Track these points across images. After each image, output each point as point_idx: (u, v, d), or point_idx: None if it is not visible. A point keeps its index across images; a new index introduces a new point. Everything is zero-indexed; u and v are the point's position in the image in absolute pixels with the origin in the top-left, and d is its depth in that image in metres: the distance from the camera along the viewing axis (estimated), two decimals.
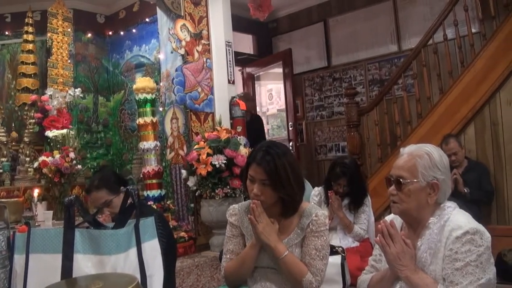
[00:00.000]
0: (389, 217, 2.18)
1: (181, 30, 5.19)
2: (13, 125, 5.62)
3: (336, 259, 2.92)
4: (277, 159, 2.16)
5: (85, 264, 1.82)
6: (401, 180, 1.97)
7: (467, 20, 5.43)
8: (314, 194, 4.10)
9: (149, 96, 4.90)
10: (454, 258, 1.81)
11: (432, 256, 1.90)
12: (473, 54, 5.33)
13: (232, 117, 5.63)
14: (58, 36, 5.77)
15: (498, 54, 5.07)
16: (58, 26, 5.78)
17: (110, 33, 7.06)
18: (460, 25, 5.51)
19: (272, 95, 9.20)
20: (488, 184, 4.93)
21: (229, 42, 5.67)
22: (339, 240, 3.85)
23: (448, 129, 5.26)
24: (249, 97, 7.05)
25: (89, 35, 6.84)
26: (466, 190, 4.70)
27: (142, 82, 4.95)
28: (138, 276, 1.91)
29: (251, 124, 6.92)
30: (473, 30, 5.60)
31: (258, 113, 8.74)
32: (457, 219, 1.89)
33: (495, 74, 5.07)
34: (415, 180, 1.95)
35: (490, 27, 5.36)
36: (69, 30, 5.91)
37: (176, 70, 5.16)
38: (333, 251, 2.91)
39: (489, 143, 5.16)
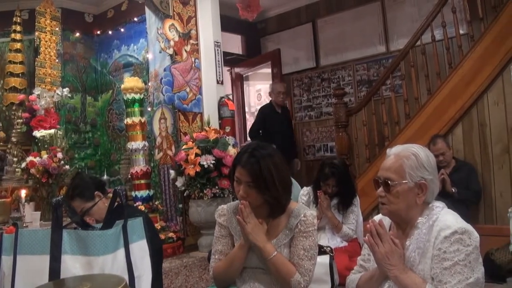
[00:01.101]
0: (377, 217, 2.19)
1: (169, 30, 5.18)
2: (0, 125, 5.57)
3: (324, 259, 2.92)
4: (262, 161, 2.16)
5: (73, 265, 1.82)
6: (389, 182, 1.97)
7: (455, 21, 5.46)
8: (302, 194, 4.11)
9: (137, 96, 4.87)
10: (442, 258, 1.82)
11: (420, 255, 1.90)
12: (461, 56, 5.36)
13: (220, 117, 5.62)
14: (46, 35, 5.73)
15: (486, 55, 5.10)
16: (46, 25, 5.74)
17: (98, 32, 7.02)
18: (448, 26, 5.54)
19: (260, 95, 9.19)
20: (476, 184, 4.96)
21: (217, 42, 5.66)
22: (328, 240, 3.87)
23: (436, 129, 5.29)
24: (279, 89, 7.08)
25: (77, 34, 6.81)
26: (453, 190, 4.73)
27: (130, 82, 4.92)
28: (126, 277, 1.91)
29: (283, 115, 7.06)
30: (461, 32, 5.63)
31: (246, 113, 8.78)
32: (445, 219, 1.90)
33: (482, 76, 5.10)
34: (403, 181, 1.95)
35: (478, 29, 5.38)
36: (57, 29, 5.87)
37: (165, 70, 5.14)
38: (322, 251, 2.91)
39: (476, 143, 5.19)
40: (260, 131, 6.93)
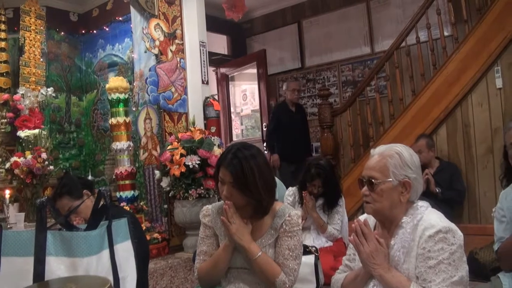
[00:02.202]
0: (362, 217, 2.20)
1: (155, 30, 5.16)
2: None
3: (309, 259, 2.93)
4: (245, 162, 2.16)
5: (57, 266, 1.80)
6: (373, 180, 1.98)
7: (440, 23, 5.51)
8: (288, 194, 4.11)
9: (122, 96, 4.85)
10: (427, 257, 1.83)
11: (405, 254, 1.92)
12: (445, 57, 5.40)
13: (206, 118, 5.61)
14: (30, 34, 5.67)
15: (470, 57, 5.15)
16: (30, 24, 5.69)
17: (83, 31, 6.97)
18: (433, 28, 5.59)
19: (246, 95, 9.19)
20: (460, 183, 5.00)
21: (203, 42, 5.65)
22: (313, 240, 3.88)
23: (421, 130, 5.33)
24: (294, 86, 7.02)
25: (62, 33, 6.74)
26: (437, 190, 4.77)
27: (115, 81, 4.89)
28: (111, 278, 1.90)
29: (298, 113, 6.97)
30: (446, 33, 5.68)
31: (232, 113, 8.77)
32: (430, 218, 1.92)
33: (466, 77, 5.15)
34: (386, 180, 1.96)
35: (462, 31, 5.44)
36: (42, 28, 5.81)
37: (150, 70, 5.12)
38: (307, 250, 2.92)
39: (460, 143, 5.24)
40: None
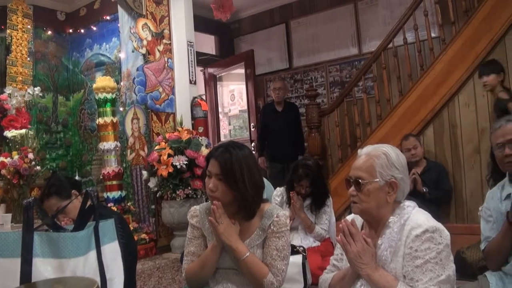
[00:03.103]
0: (350, 217, 2.21)
1: (142, 29, 5.14)
2: None
3: (297, 259, 2.94)
4: (235, 156, 2.17)
5: (44, 268, 1.79)
6: (360, 180, 1.99)
7: (427, 25, 5.54)
8: (276, 194, 4.11)
9: (109, 96, 4.83)
10: (414, 256, 1.85)
11: (392, 254, 1.93)
12: (433, 58, 5.43)
13: (193, 118, 5.60)
14: (17, 33, 5.62)
15: (457, 58, 5.18)
16: (18, 22, 5.64)
17: (71, 30, 6.92)
18: (420, 29, 5.62)
19: (234, 96, 9.19)
20: (447, 183, 5.03)
21: (191, 42, 5.64)
22: (300, 240, 3.88)
23: (408, 130, 5.36)
24: (274, 85, 6.99)
25: (49, 32, 6.69)
26: (425, 190, 4.79)
27: (102, 81, 4.87)
28: (98, 279, 1.89)
29: (285, 113, 6.85)
30: (433, 35, 5.71)
31: (220, 113, 8.74)
32: (416, 218, 1.93)
33: (453, 78, 5.18)
34: (373, 180, 1.97)
35: (450, 32, 5.47)
36: (29, 27, 5.77)
37: (137, 70, 5.10)
38: (294, 250, 2.93)
39: (447, 144, 5.27)
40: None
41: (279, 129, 6.68)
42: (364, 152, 2.07)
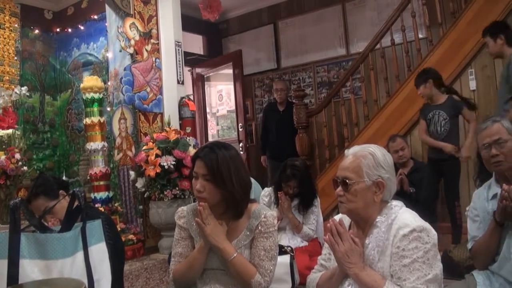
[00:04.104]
0: (337, 216, 2.21)
1: (130, 29, 5.12)
2: None
3: (285, 259, 2.94)
4: (221, 156, 2.16)
5: (31, 269, 1.78)
6: (347, 181, 1.99)
7: (414, 26, 5.58)
8: (264, 195, 4.12)
9: (96, 96, 4.81)
10: (401, 255, 1.85)
11: (380, 253, 1.93)
12: (420, 59, 5.47)
13: (181, 118, 5.58)
14: (4, 32, 5.59)
15: (444, 59, 5.22)
16: (5, 21, 5.61)
17: (58, 29, 6.90)
18: (408, 30, 5.66)
19: (222, 96, 9.19)
20: None
21: (178, 42, 5.63)
22: (288, 240, 3.89)
23: (395, 130, 5.37)
24: (275, 86, 7.02)
25: (36, 31, 6.66)
26: (411, 190, 4.81)
27: (89, 81, 4.85)
28: (85, 280, 1.88)
29: (286, 113, 6.83)
30: (420, 36, 5.75)
31: (207, 114, 8.72)
32: (404, 217, 1.93)
33: None
34: (360, 180, 1.98)
35: (437, 34, 5.51)
36: (16, 25, 5.74)
37: (125, 69, 5.09)
38: (282, 250, 2.93)
39: None
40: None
41: (279, 128, 6.75)
42: (351, 152, 2.08)
